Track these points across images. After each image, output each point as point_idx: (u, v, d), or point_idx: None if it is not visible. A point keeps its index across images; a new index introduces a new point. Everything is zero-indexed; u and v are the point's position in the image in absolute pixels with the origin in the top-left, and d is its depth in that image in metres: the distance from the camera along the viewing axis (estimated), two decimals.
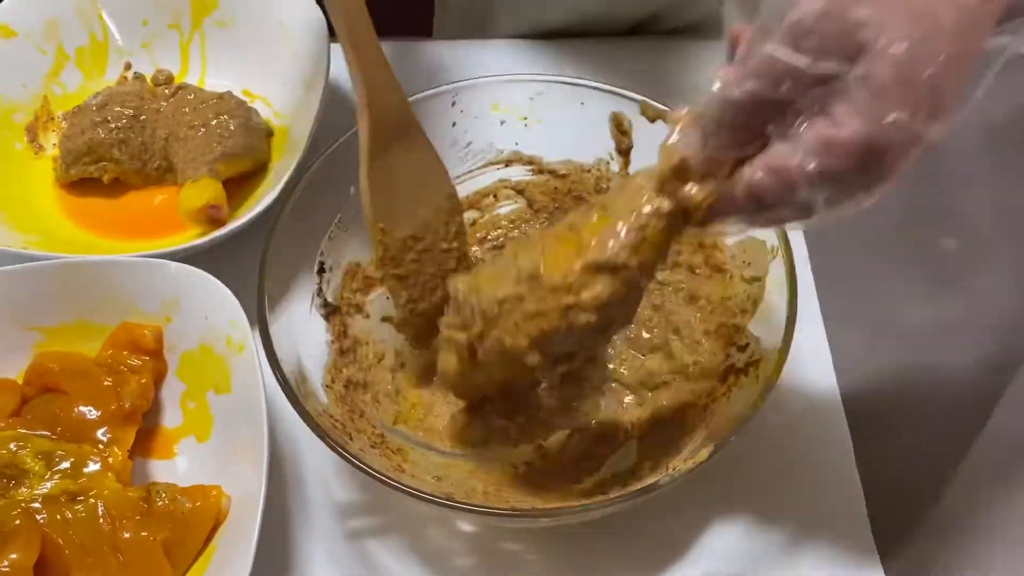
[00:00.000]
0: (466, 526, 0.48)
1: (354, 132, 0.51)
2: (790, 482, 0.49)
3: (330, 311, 0.50)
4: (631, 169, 0.55)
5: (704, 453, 0.40)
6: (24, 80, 0.63)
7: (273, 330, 0.44)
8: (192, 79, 0.65)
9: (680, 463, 0.42)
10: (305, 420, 0.42)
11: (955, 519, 0.47)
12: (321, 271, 0.51)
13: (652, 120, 0.52)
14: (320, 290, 0.50)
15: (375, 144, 0.47)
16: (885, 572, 0.46)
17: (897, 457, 0.50)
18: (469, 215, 0.56)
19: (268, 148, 0.61)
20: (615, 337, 0.52)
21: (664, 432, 0.48)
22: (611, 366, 0.52)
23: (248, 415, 0.46)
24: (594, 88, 0.53)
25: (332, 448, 0.41)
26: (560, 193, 0.56)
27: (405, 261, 0.49)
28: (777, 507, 0.48)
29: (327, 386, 0.47)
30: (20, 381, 0.50)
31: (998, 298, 0.56)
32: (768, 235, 0.47)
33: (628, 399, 0.51)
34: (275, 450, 0.50)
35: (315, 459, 0.50)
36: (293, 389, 0.43)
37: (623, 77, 0.55)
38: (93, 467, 0.46)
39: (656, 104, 0.52)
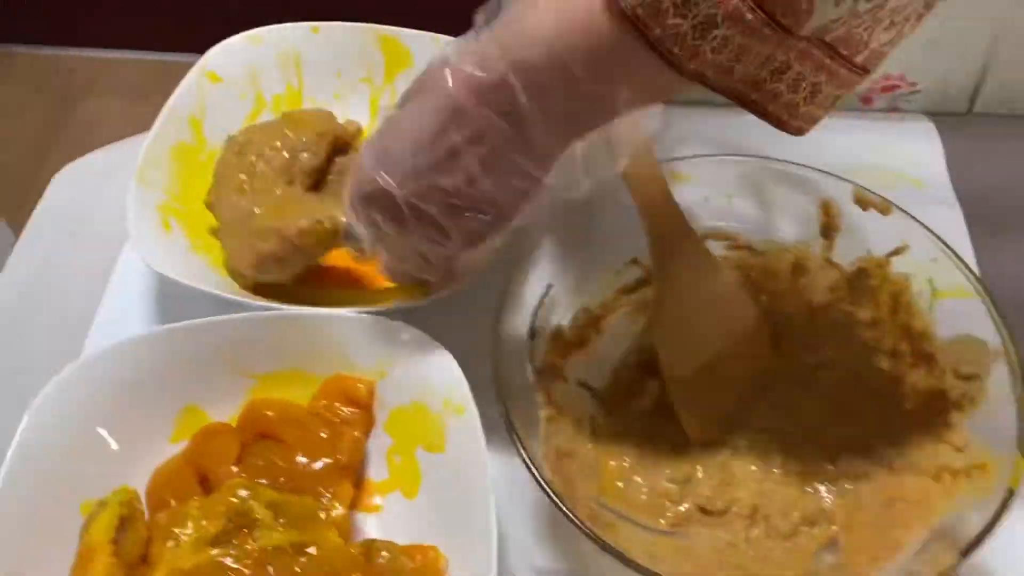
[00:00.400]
0: None
1: (564, 209, 0.53)
2: None
3: (538, 377, 0.51)
4: (833, 254, 0.55)
5: (950, 559, 0.40)
6: (225, 125, 0.65)
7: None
8: None
9: (921, 566, 0.42)
10: (547, 493, 0.43)
11: None
12: (532, 336, 0.52)
13: (864, 208, 0.53)
14: (532, 356, 0.51)
15: (661, 299, 0.52)
16: None
17: None
18: None
19: None
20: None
21: (874, 525, 0.48)
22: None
23: (462, 476, 0.47)
24: (806, 171, 0.54)
25: (576, 524, 0.42)
26: (754, 270, 0.57)
27: (696, 387, 0.52)
28: None
29: (544, 456, 0.48)
30: (234, 425, 0.52)
31: None
32: (990, 335, 0.47)
33: (827, 491, 0.51)
34: None
35: (514, 525, 0.51)
36: (528, 460, 0.44)
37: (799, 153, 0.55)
38: (317, 520, 0.47)
39: (871, 193, 0.52)
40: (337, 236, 0.57)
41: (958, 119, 0.70)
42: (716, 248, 0.57)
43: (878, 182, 0.58)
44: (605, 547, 0.41)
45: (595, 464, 0.51)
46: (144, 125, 0.62)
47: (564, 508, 0.42)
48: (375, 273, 0.59)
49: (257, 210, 0.58)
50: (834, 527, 0.49)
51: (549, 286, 0.53)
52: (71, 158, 0.73)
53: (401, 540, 0.49)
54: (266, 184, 0.59)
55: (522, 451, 0.44)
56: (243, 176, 0.60)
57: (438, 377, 0.50)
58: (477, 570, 0.44)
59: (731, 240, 0.57)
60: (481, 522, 0.45)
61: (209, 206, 0.62)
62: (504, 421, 0.45)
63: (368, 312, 0.52)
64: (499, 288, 0.51)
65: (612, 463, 0.52)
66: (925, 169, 0.67)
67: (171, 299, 0.61)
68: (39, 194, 0.70)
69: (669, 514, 0.50)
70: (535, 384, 0.51)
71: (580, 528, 0.42)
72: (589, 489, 0.49)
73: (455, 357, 0.50)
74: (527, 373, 0.51)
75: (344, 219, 0.54)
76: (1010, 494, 0.42)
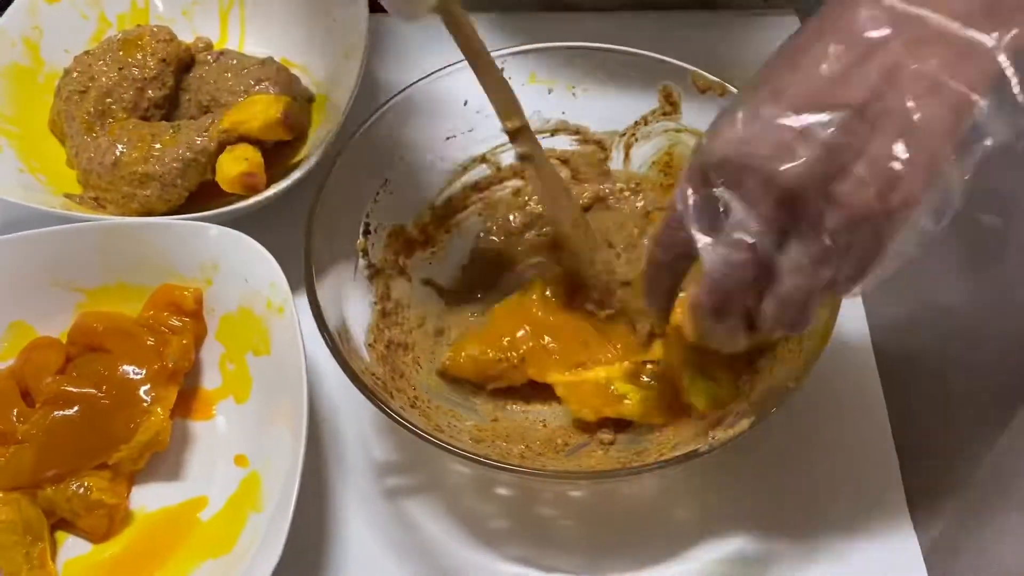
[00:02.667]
0: (501, 490, 0.48)
1: (399, 98, 0.51)
2: (824, 449, 0.49)
3: (374, 272, 0.50)
4: None
5: (745, 423, 0.40)
6: (67, 46, 0.63)
7: (318, 290, 0.44)
8: (231, 48, 0.65)
9: (720, 432, 0.41)
10: (348, 375, 0.42)
11: (992, 492, 0.46)
12: (366, 233, 0.50)
13: (703, 91, 0.51)
14: (365, 252, 0.50)
15: None
16: (919, 540, 0.46)
17: (933, 428, 0.50)
18: (513, 183, 0.56)
19: (309, 115, 0.61)
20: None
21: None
22: None
23: (287, 376, 0.46)
24: (644, 58, 0.52)
25: (375, 403, 0.41)
26: (604, 164, 0.56)
27: None
28: (810, 473, 0.48)
29: (369, 345, 0.47)
30: (63, 340, 0.51)
31: None
32: None
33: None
34: (314, 411, 0.50)
35: (353, 420, 0.50)
36: (338, 346, 0.43)
37: (672, 50, 0.54)
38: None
39: (707, 75, 0.51)
40: (211, 162, 0.55)
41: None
42: (564, 143, 0.56)
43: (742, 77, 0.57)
44: (408, 427, 0.41)
45: (435, 359, 0.51)
46: None
47: (368, 390, 0.41)
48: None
49: (118, 151, 0.56)
50: None
51: (385, 181, 0.52)
52: None
53: (232, 442, 0.49)
54: (119, 122, 0.58)
55: (327, 339, 0.43)
56: (91, 114, 0.58)
57: (260, 279, 0.49)
58: (294, 465, 0.43)
59: (579, 135, 0.56)
60: (298, 419, 0.44)
61: (54, 132, 0.60)
62: (313, 315, 0.44)
63: (190, 219, 0.51)
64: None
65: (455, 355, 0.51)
66: None
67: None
68: None
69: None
70: (368, 280, 0.50)
71: (381, 408, 0.41)
72: (423, 378, 0.49)
73: (279, 260, 0.49)
74: (358, 268, 0.50)
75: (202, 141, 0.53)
76: (809, 365, 0.43)
